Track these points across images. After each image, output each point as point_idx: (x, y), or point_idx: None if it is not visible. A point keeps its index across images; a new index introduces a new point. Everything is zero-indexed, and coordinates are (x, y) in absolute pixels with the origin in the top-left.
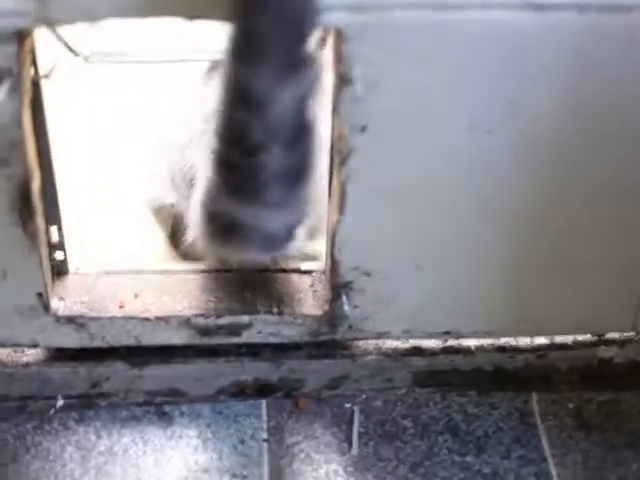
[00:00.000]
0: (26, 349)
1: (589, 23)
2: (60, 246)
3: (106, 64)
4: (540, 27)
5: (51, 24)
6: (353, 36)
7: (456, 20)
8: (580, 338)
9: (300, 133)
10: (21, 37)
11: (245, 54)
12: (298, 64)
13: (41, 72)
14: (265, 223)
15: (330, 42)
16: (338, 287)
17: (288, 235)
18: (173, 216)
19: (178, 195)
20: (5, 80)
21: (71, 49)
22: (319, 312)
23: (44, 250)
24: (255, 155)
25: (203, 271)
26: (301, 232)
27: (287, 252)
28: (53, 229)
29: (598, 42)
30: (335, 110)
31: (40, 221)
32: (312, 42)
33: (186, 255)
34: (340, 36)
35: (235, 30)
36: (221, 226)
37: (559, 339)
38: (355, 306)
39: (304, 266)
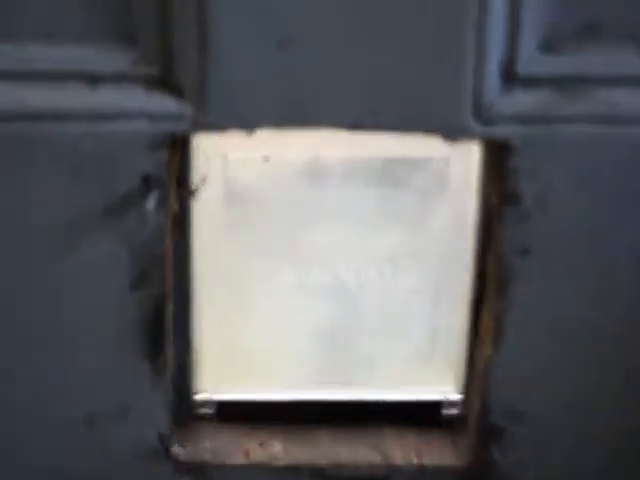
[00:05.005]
0: None
1: None
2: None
3: None
4: None
5: (208, 130)
6: (522, 149)
7: (623, 134)
8: None
9: None
10: (175, 144)
11: None
12: None
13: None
14: None
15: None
16: (487, 432)
17: None
18: None
19: None
20: (154, 189)
21: None
22: (463, 463)
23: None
24: None
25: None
26: None
27: None
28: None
29: None
30: (493, 232)
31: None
32: None
33: None
34: (508, 149)
35: None
36: None
37: None
38: (505, 455)
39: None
